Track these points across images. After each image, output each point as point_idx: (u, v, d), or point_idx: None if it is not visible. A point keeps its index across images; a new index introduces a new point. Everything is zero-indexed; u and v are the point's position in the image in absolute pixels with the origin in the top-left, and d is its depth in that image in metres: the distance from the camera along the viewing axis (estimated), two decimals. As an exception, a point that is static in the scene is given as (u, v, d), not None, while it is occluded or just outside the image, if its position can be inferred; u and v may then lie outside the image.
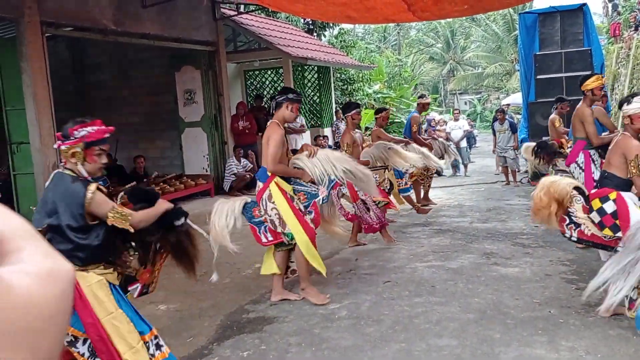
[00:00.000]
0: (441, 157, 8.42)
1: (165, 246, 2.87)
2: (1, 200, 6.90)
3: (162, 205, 2.79)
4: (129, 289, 2.76)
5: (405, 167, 6.64)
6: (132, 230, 2.57)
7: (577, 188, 3.90)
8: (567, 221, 3.87)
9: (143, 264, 2.78)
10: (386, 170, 6.42)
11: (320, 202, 4.37)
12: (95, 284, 2.52)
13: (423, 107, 8.54)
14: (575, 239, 3.96)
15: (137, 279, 2.76)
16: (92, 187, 2.55)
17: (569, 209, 3.84)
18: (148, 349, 2.57)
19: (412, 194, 7.83)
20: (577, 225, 3.85)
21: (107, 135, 2.61)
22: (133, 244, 2.77)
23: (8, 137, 6.79)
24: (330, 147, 10.90)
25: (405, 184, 6.84)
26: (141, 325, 2.62)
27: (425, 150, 7.49)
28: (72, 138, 2.53)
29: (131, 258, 2.78)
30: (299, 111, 4.60)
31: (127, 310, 2.59)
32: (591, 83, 5.52)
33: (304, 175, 4.35)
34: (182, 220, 2.89)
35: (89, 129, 2.51)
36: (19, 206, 6.78)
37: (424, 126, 14.74)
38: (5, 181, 7.20)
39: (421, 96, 9.04)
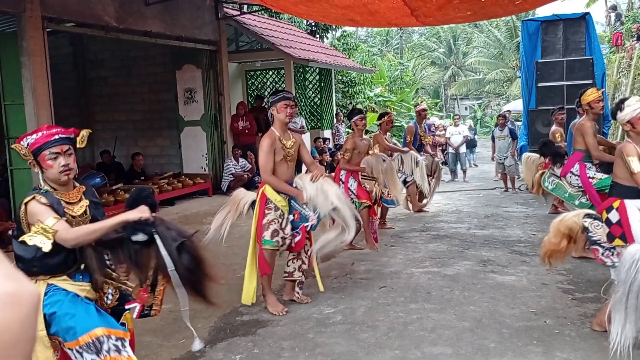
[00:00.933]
0: (430, 174, 8.37)
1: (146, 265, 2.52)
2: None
3: (115, 218, 2.40)
4: (127, 307, 2.57)
5: (390, 192, 6.66)
6: (67, 245, 2.34)
7: (588, 215, 3.71)
8: (600, 250, 3.62)
9: (141, 282, 2.56)
10: (376, 183, 6.41)
11: (308, 229, 4.35)
12: None
13: (419, 115, 8.49)
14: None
15: (135, 298, 2.56)
16: (29, 197, 2.41)
17: (593, 238, 3.61)
18: (102, 344, 2.34)
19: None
20: (612, 248, 3.59)
21: (56, 137, 2.39)
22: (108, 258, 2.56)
23: (6, 132, 6.77)
24: (330, 149, 10.89)
25: (388, 194, 6.74)
26: (98, 322, 2.37)
27: (421, 160, 7.48)
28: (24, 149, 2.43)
29: (123, 274, 2.60)
30: (293, 110, 4.38)
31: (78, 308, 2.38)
32: (587, 97, 5.50)
33: (299, 196, 4.26)
34: (140, 236, 2.40)
35: (33, 136, 2.41)
36: (14, 201, 6.76)
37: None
38: (2, 176, 7.17)
39: (416, 105, 9.10)
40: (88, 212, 2.52)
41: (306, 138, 11.69)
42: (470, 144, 15.48)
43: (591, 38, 10.25)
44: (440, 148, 13.66)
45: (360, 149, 6.19)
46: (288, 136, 4.37)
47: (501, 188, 10.95)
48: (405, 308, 4.28)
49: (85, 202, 2.54)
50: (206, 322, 4.12)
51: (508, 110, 16.03)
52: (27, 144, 2.41)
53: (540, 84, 10.17)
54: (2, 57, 6.72)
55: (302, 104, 12.35)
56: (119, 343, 2.37)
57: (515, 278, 4.99)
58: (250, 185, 10.30)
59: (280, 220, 4.25)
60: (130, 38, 8.46)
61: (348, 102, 16.00)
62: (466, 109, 36.39)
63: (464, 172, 13.29)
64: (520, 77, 16.41)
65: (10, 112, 6.73)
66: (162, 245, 2.38)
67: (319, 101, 13.43)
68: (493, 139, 11.48)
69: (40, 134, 2.41)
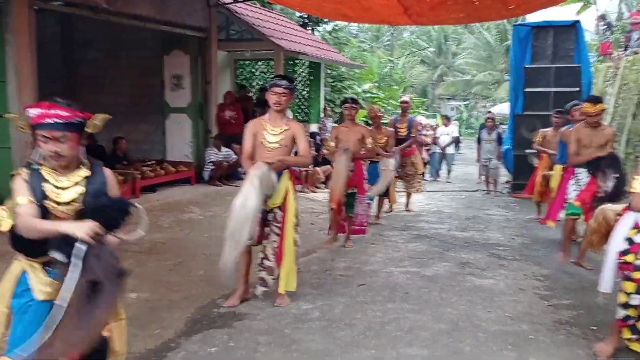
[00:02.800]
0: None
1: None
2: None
3: (59, 224, 2.16)
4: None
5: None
6: (19, 233, 2.19)
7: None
8: None
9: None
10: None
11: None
12: (9, 269, 2.35)
13: (401, 107, 8.52)
14: None
15: None
16: (16, 171, 2.31)
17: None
18: None
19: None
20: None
21: (48, 120, 2.21)
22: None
23: (-14, 109, 6.62)
24: (316, 144, 10.84)
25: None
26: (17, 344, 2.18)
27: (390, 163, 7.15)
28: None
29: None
30: (281, 98, 4.19)
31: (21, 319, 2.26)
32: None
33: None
34: (56, 253, 2.10)
35: (33, 110, 2.24)
36: (-7, 180, 6.62)
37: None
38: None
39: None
40: (78, 201, 2.31)
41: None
42: (455, 142, 15.62)
43: (580, 46, 10.36)
44: (426, 148, 13.68)
45: (347, 139, 5.93)
46: (280, 123, 4.25)
47: (483, 190, 11.02)
48: (383, 307, 4.29)
49: (79, 190, 2.32)
50: (182, 313, 4.08)
51: (489, 112, 16.11)
52: (29, 117, 2.27)
53: (527, 89, 10.26)
54: (-15, 33, 6.56)
55: (290, 96, 12.30)
56: None
57: (493, 282, 5.03)
58: (233, 176, 10.25)
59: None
60: (119, 20, 8.32)
61: (336, 96, 15.97)
62: (452, 109, 36.55)
63: (449, 172, 13.36)
64: (508, 80, 16.51)
65: (-8, 89, 6.58)
66: (76, 275, 2.02)
67: (307, 94, 13.37)
68: (479, 140, 11.47)
69: (38, 111, 2.24)
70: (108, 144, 10.17)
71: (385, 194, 7.50)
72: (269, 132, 4.23)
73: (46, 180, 2.29)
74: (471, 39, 35.17)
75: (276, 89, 4.20)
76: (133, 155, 9.82)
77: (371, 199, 6.91)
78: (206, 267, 5.26)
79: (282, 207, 4.24)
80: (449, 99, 38.85)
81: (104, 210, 2.23)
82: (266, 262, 4.27)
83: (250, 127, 4.30)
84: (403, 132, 8.14)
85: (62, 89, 11.04)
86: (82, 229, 2.08)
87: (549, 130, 7.49)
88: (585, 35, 11.17)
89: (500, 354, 3.51)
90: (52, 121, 2.22)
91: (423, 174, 10.63)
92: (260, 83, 12.99)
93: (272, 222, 4.25)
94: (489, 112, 14.65)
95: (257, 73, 13.17)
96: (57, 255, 2.09)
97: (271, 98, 4.23)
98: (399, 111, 8.80)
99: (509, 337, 3.77)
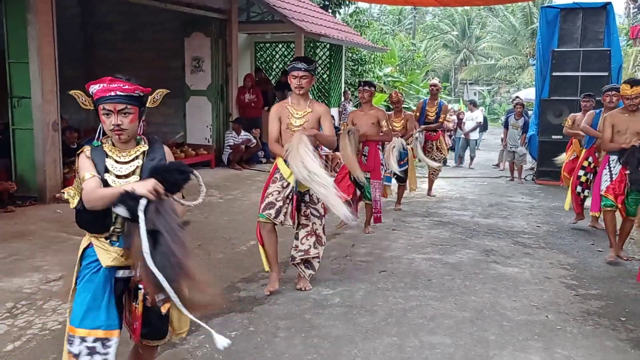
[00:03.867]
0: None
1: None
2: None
3: (118, 187, 2.21)
4: (140, 286, 2.34)
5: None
6: (86, 206, 2.22)
7: None
8: None
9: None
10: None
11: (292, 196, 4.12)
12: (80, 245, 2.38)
13: (430, 91, 8.48)
14: None
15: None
16: (81, 149, 2.35)
17: None
18: (71, 343, 2.22)
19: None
20: None
21: (111, 93, 2.25)
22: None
23: (9, 90, 6.63)
24: (336, 127, 10.71)
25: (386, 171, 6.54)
26: (96, 319, 2.24)
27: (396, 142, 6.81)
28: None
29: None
30: (302, 81, 4.10)
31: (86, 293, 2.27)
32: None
33: (281, 154, 4.08)
34: (120, 209, 2.15)
35: (96, 86, 2.28)
36: (15, 161, 6.66)
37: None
38: (3, 134, 7.05)
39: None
40: (137, 174, 2.32)
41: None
42: (483, 128, 15.52)
43: (610, 29, 10.02)
44: (448, 133, 13.48)
45: (363, 123, 5.85)
46: (303, 106, 4.19)
47: (507, 177, 10.82)
48: (405, 294, 4.21)
49: (137, 163, 2.33)
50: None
51: (517, 97, 15.81)
52: (92, 92, 2.31)
53: (554, 73, 9.97)
54: (8, 13, 6.55)
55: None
56: (96, 344, 2.22)
57: (518, 270, 4.91)
58: (253, 159, 10.21)
59: (281, 191, 4.10)
60: (139, 1, 8.26)
61: (357, 80, 15.78)
62: (475, 94, 35.99)
63: (472, 158, 13.15)
64: (534, 64, 16.14)
65: (15, 70, 6.58)
66: (143, 226, 2.09)
67: (327, 78, 13.22)
68: (506, 125, 11.21)
69: (100, 85, 2.28)
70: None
71: (404, 179, 7.37)
72: (294, 116, 4.17)
73: (108, 156, 2.33)
74: (495, 22, 34.51)
75: (296, 72, 4.12)
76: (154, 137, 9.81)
77: (389, 179, 6.76)
78: (225, 250, 5.24)
79: None
80: (471, 83, 38.27)
81: (165, 170, 2.25)
82: (305, 245, 4.21)
83: (274, 111, 4.25)
84: (432, 115, 8.07)
85: (82, 71, 11.09)
86: (144, 186, 2.16)
87: (578, 114, 7.25)
88: (616, 18, 10.80)
89: (526, 344, 3.41)
90: (114, 94, 2.27)
91: (445, 160, 10.46)
92: (280, 66, 12.88)
93: (309, 204, 4.22)
94: (517, 97, 14.33)
95: (277, 56, 13.04)
96: (120, 210, 2.16)
97: (292, 82, 4.17)
98: (421, 96, 8.67)
99: (534, 326, 3.67)
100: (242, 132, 9.83)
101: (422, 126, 8.01)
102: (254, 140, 9.97)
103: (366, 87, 5.99)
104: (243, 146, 9.77)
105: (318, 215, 4.26)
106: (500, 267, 4.96)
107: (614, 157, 5.17)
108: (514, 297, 4.21)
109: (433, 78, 8.72)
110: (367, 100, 5.99)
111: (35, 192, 6.57)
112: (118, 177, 2.31)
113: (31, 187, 6.59)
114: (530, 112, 12.85)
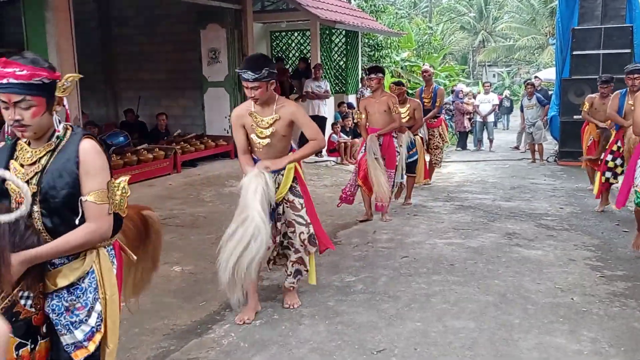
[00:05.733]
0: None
1: None
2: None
3: None
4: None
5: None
6: None
7: None
8: None
9: None
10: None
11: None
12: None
13: (423, 78, 8.23)
14: None
15: None
16: None
17: None
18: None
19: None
20: None
21: (3, 80, 1.80)
22: None
23: (31, 88, 6.73)
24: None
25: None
26: None
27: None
28: None
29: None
30: (252, 92, 3.38)
31: None
32: None
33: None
34: None
35: None
36: None
37: (449, 98, 14.36)
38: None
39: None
40: (34, 182, 1.91)
41: (330, 102, 11.49)
42: (507, 110, 15.48)
43: (632, 5, 9.77)
44: (468, 117, 13.34)
45: (374, 110, 5.83)
46: (269, 112, 3.49)
47: (528, 159, 10.70)
48: (428, 279, 4.21)
49: (36, 168, 1.93)
50: (226, 285, 4.09)
51: (536, 77, 15.59)
52: None
53: (575, 52, 9.79)
54: (27, 12, 6.64)
55: (327, 67, 12.10)
56: None
57: (541, 253, 4.86)
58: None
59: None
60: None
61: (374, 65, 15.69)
62: (494, 76, 35.46)
63: (491, 141, 13.03)
64: (553, 44, 15.83)
65: (35, 68, 6.68)
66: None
67: (344, 65, 13.15)
68: (522, 108, 11.15)
69: None
70: (148, 119, 10.27)
71: (413, 170, 6.92)
72: (259, 126, 3.50)
73: (16, 158, 1.96)
74: (514, 2, 33.87)
75: (245, 83, 3.37)
76: (173, 130, 9.90)
77: (402, 178, 6.57)
78: (248, 240, 5.27)
79: (302, 192, 3.67)
80: (490, 65, 37.71)
81: None
82: (293, 255, 3.67)
83: (234, 119, 3.60)
84: (428, 102, 7.81)
85: (100, 66, 11.22)
86: None
87: (595, 96, 7.07)
88: (638, -7, 10.52)
89: (552, 327, 3.39)
90: (6, 82, 1.81)
91: (465, 144, 10.39)
92: (297, 55, 12.84)
93: (290, 212, 3.61)
94: (536, 77, 14.19)
95: (293, 44, 13.00)
96: None
97: (245, 91, 3.45)
98: (440, 80, 8.51)
99: (560, 309, 3.64)
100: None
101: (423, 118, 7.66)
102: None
103: (372, 75, 5.89)
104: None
105: (304, 223, 3.63)
106: (524, 250, 4.93)
107: None
108: (538, 280, 4.18)
109: (425, 64, 8.40)
110: (377, 87, 5.93)
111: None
112: (28, 182, 1.91)
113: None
114: (550, 93, 12.66)
